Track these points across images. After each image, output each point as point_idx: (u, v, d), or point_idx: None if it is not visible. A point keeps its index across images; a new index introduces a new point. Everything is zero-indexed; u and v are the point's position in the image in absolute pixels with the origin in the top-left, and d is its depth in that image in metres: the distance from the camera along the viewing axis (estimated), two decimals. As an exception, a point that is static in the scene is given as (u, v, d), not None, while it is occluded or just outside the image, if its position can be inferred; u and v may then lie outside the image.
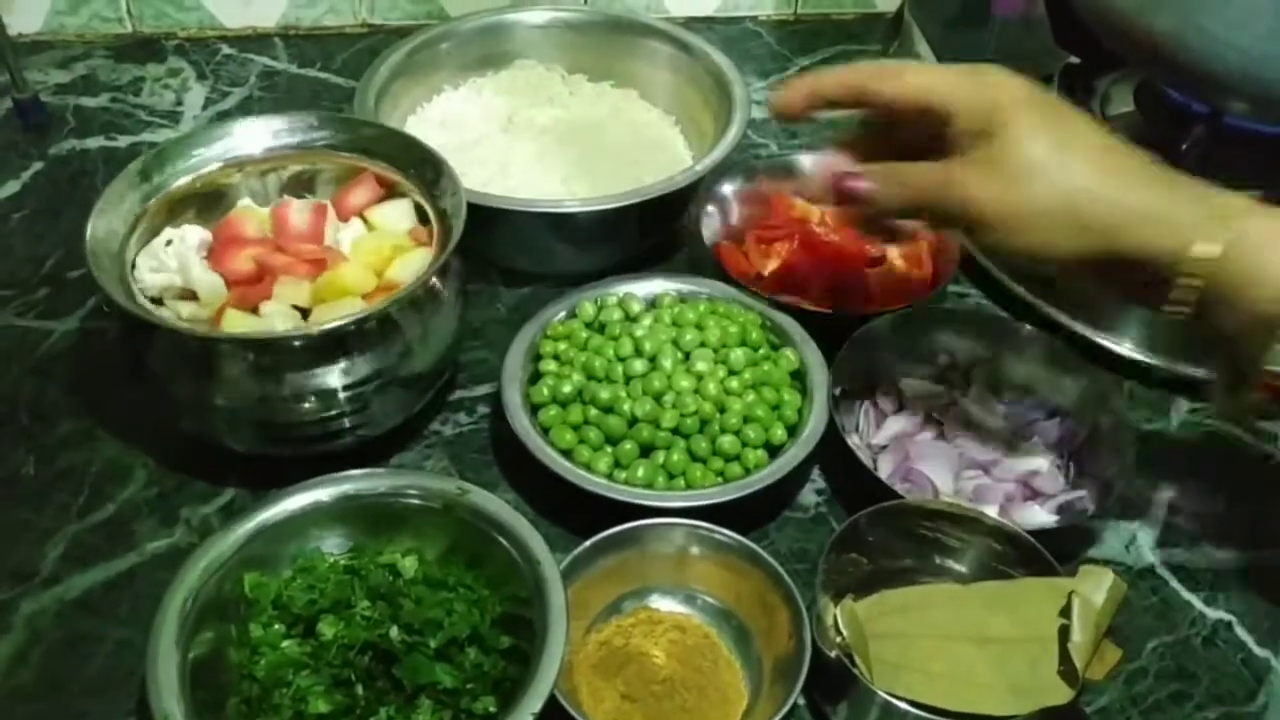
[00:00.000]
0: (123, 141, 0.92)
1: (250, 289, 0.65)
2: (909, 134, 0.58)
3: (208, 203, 0.71)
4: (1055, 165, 0.53)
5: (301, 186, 0.73)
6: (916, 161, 0.57)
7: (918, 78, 0.57)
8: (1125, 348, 0.75)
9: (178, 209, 0.70)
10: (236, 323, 0.63)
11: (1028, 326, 0.73)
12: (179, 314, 0.66)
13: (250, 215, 0.70)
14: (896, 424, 0.69)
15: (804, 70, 1.04)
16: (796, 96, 0.61)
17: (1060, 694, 0.54)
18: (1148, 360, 0.75)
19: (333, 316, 0.61)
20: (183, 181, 0.70)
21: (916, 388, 0.70)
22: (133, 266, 0.67)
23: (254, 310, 0.64)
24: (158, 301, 0.67)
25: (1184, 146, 0.71)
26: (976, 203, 0.54)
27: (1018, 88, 0.55)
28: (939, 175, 0.56)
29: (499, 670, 0.57)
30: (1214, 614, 0.65)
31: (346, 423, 0.65)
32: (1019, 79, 0.56)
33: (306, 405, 0.63)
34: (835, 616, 0.58)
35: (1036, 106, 0.55)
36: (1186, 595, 0.66)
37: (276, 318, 0.63)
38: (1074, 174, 0.53)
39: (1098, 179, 0.53)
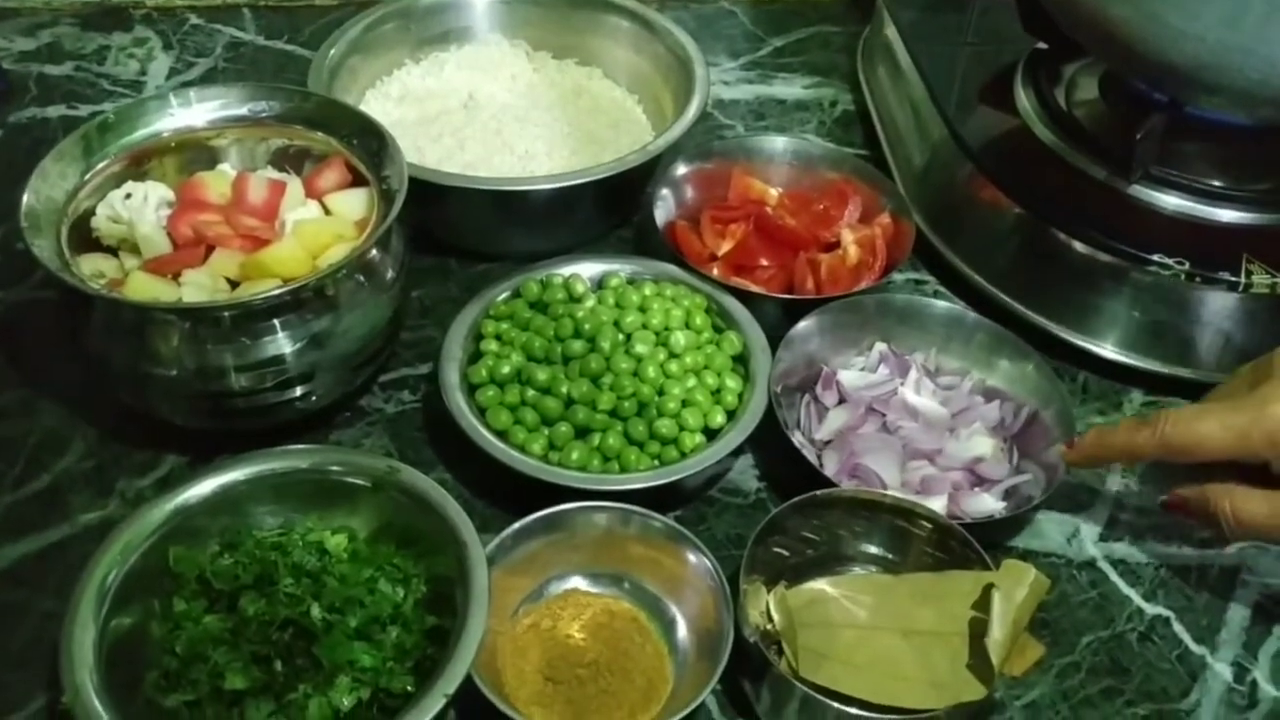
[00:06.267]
0: (84, 110, 0.92)
1: (180, 255, 0.65)
2: None
3: (190, 160, 0.71)
4: None
5: (288, 160, 0.73)
6: (1243, 492, 0.57)
7: (1200, 435, 0.56)
8: (1083, 340, 0.75)
9: (145, 161, 0.70)
10: (141, 287, 0.62)
11: (972, 313, 0.72)
12: (125, 268, 0.66)
13: (214, 180, 0.70)
14: (839, 418, 0.68)
15: (779, 50, 1.03)
16: (1086, 458, 0.63)
17: (975, 690, 0.53)
18: (1103, 353, 0.74)
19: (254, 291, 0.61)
20: (154, 136, 0.70)
21: (855, 379, 0.70)
22: (92, 214, 0.67)
23: (176, 277, 0.63)
24: (113, 251, 0.67)
25: (1139, 136, 0.70)
26: None
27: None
28: None
29: (421, 650, 0.56)
30: (1152, 609, 0.64)
31: (282, 396, 0.64)
32: None
33: (239, 377, 0.62)
34: (768, 603, 0.58)
35: None
36: (1126, 590, 0.65)
37: (192, 287, 0.62)
38: None
39: None
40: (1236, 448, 0.55)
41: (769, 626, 0.57)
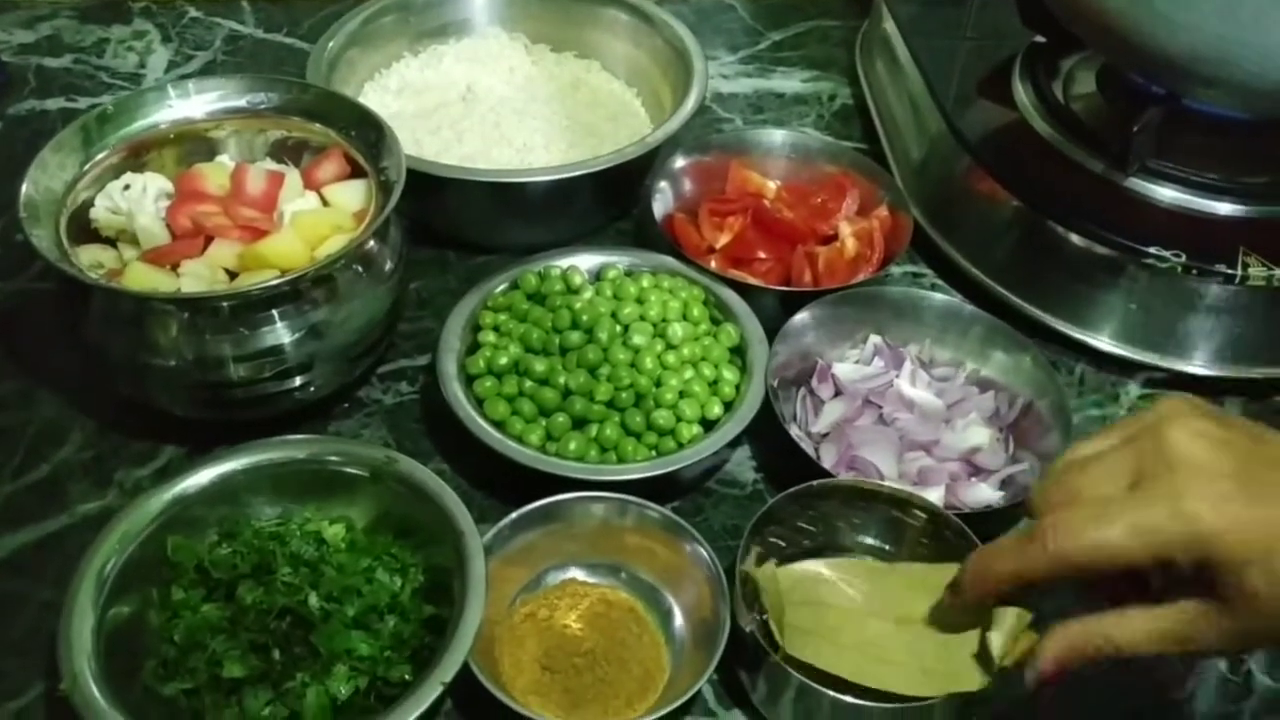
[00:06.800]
0: (83, 103, 0.92)
1: (178, 246, 0.65)
2: None
3: (189, 151, 0.71)
4: None
5: (286, 152, 0.73)
6: (1131, 614, 0.47)
7: (1102, 543, 0.46)
8: (1080, 333, 0.75)
9: (145, 152, 0.70)
10: (139, 277, 0.62)
11: (969, 305, 0.72)
12: (123, 259, 0.66)
13: (213, 172, 0.70)
14: (835, 410, 0.69)
15: (778, 44, 1.04)
16: (974, 596, 0.52)
17: (973, 680, 0.53)
18: (1100, 345, 0.75)
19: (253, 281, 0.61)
20: (153, 127, 0.70)
21: (850, 372, 0.70)
22: (91, 205, 0.67)
23: (174, 268, 0.64)
24: (112, 242, 0.67)
25: (1135, 129, 0.70)
26: (1230, 649, 0.49)
27: (1216, 506, 0.45)
28: (1185, 639, 0.46)
29: (419, 639, 0.57)
30: (1148, 600, 0.64)
31: (281, 386, 0.64)
32: (1210, 487, 0.45)
33: (238, 368, 0.62)
34: (754, 578, 0.58)
35: (1251, 521, 0.44)
36: (1122, 581, 0.65)
37: (190, 278, 0.63)
38: None
39: None
40: (1145, 553, 0.45)
41: (759, 616, 0.57)
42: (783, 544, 0.61)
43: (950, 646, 0.55)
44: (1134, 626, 0.47)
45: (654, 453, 0.65)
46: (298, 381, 0.65)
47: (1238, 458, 0.46)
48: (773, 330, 0.69)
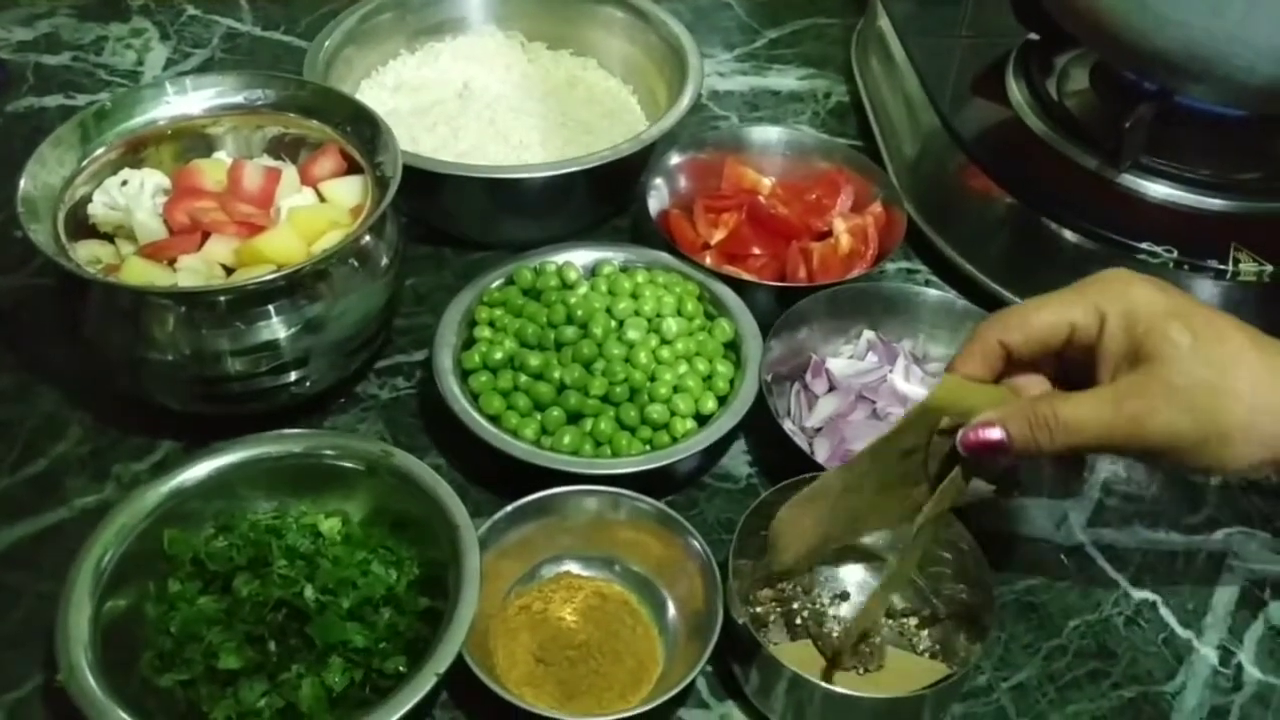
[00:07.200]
0: (81, 100, 0.92)
1: (175, 241, 0.65)
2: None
3: (187, 147, 0.72)
4: (1224, 386, 0.49)
5: (283, 148, 0.73)
6: (1066, 395, 0.51)
7: (1040, 316, 0.52)
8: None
9: (142, 149, 0.70)
10: (136, 272, 0.63)
11: (961, 301, 0.73)
12: (120, 255, 0.66)
13: (210, 168, 0.70)
14: (829, 405, 0.69)
15: (774, 42, 1.04)
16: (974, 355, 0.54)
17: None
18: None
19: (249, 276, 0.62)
20: (150, 124, 0.70)
21: (844, 367, 0.70)
22: (89, 200, 0.68)
23: (171, 263, 0.64)
24: (109, 238, 0.68)
25: (1127, 124, 0.71)
26: (1149, 440, 0.49)
27: (1149, 298, 0.50)
28: (1105, 417, 0.50)
29: (414, 631, 0.57)
30: (1139, 594, 0.65)
31: (277, 380, 0.65)
32: (1144, 284, 0.51)
33: (234, 362, 0.63)
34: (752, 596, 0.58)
35: (1177, 316, 0.50)
36: (1113, 574, 0.66)
37: (187, 273, 0.63)
38: (1243, 390, 0.49)
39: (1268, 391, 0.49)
40: (1083, 314, 0.51)
41: (752, 610, 0.58)
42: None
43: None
44: (1078, 398, 0.50)
45: (648, 447, 0.65)
46: (294, 376, 0.65)
47: (1160, 285, 0.52)
48: (767, 326, 0.70)
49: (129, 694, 0.52)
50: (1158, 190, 0.74)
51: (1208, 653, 0.62)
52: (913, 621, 0.60)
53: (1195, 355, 0.49)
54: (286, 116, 0.72)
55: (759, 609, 0.60)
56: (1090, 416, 0.50)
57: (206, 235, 0.66)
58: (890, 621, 0.60)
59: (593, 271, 0.73)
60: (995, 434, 0.51)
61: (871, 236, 0.77)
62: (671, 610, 0.60)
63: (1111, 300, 0.51)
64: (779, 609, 0.61)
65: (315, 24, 1.00)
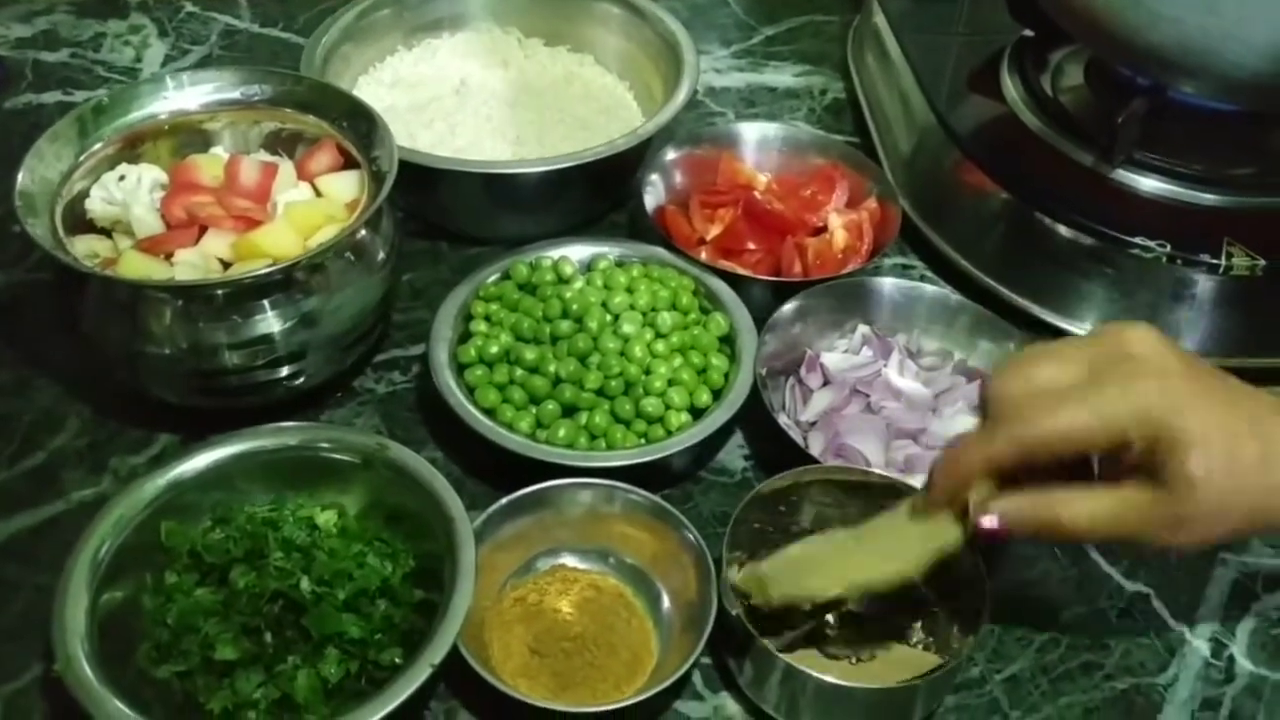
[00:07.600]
0: (79, 97, 0.92)
1: (172, 235, 0.65)
2: None
3: (184, 143, 0.72)
4: (1234, 486, 0.49)
5: (280, 143, 0.73)
6: (1078, 494, 0.51)
7: (1062, 423, 0.50)
8: (1066, 322, 0.76)
9: (140, 144, 0.71)
10: (134, 266, 0.63)
11: (955, 295, 0.73)
12: (118, 249, 0.67)
13: (207, 163, 0.71)
14: (823, 399, 0.69)
15: (771, 38, 1.04)
16: (947, 492, 0.54)
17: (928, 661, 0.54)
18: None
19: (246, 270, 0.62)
20: (148, 119, 0.71)
21: (839, 361, 0.71)
22: (86, 195, 0.68)
23: (168, 257, 0.64)
24: (107, 233, 0.68)
25: (1120, 119, 0.71)
26: (1163, 538, 0.51)
27: (1161, 390, 0.50)
28: (1124, 522, 0.50)
29: (409, 623, 0.57)
30: (1132, 586, 0.65)
31: (273, 374, 0.65)
32: (1162, 379, 0.50)
33: (231, 355, 0.63)
34: (736, 583, 0.58)
35: (1196, 409, 0.49)
36: (1107, 568, 0.66)
37: (184, 267, 0.63)
38: (1253, 486, 0.50)
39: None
40: (1104, 433, 0.49)
41: (745, 602, 0.58)
42: (770, 530, 0.62)
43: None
44: (1079, 503, 0.51)
45: (643, 440, 0.65)
46: (290, 370, 0.65)
47: (1185, 364, 0.51)
48: (762, 320, 0.70)
49: (126, 685, 0.53)
50: (1151, 185, 0.75)
51: (1200, 645, 0.62)
52: (905, 613, 0.60)
53: (1210, 485, 0.49)
54: (283, 112, 0.72)
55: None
56: (1104, 523, 0.51)
57: (203, 230, 0.66)
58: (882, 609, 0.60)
59: (588, 266, 0.73)
60: (996, 523, 0.52)
61: (867, 232, 0.78)
62: (666, 602, 0.61)
63: (1123, 403, 0.49)
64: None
65: (313, 20, 1.00)
